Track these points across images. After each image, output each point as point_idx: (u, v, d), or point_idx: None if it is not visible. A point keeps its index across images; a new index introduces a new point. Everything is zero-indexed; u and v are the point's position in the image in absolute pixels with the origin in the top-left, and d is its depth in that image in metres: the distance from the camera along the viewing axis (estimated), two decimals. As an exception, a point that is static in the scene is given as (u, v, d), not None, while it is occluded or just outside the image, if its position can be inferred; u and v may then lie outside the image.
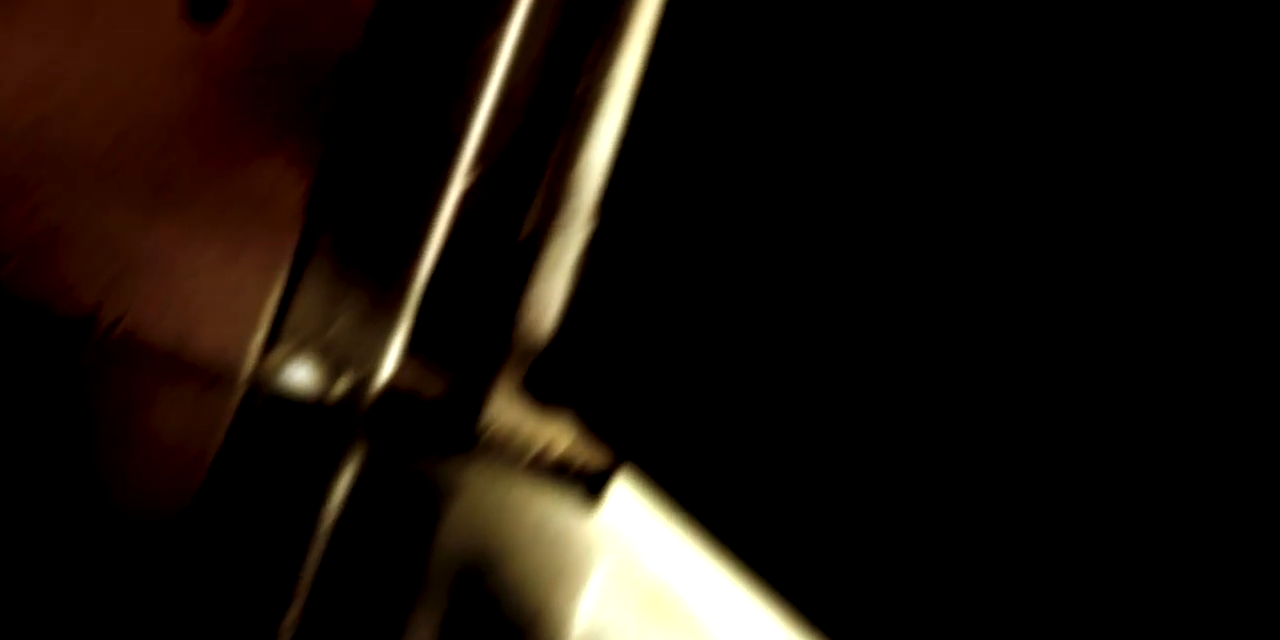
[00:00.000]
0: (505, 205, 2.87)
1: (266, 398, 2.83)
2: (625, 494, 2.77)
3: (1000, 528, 1.91)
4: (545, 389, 2.86)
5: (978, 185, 2.09)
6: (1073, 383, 1.85)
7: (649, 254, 2.76)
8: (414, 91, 2.83)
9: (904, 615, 2.01)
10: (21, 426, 2.34)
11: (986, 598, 1.90)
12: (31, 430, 2.33)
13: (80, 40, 2.79)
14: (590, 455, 2.85)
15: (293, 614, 2.12)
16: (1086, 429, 1.82)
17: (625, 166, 2.84)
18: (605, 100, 2.84)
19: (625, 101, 2.84)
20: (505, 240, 2.87)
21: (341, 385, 2.84)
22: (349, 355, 2.84)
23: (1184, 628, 1.66)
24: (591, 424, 2.81)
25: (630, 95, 2.83)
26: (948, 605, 1.95)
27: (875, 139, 2.32)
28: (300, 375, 2.83)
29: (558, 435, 2.87)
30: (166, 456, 2.55)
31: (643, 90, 2.83)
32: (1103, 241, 1.87)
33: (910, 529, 2.04)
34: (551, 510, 2.78)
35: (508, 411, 2.87)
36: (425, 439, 2.89)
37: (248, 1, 2.79)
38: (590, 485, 2.81)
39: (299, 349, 2.83)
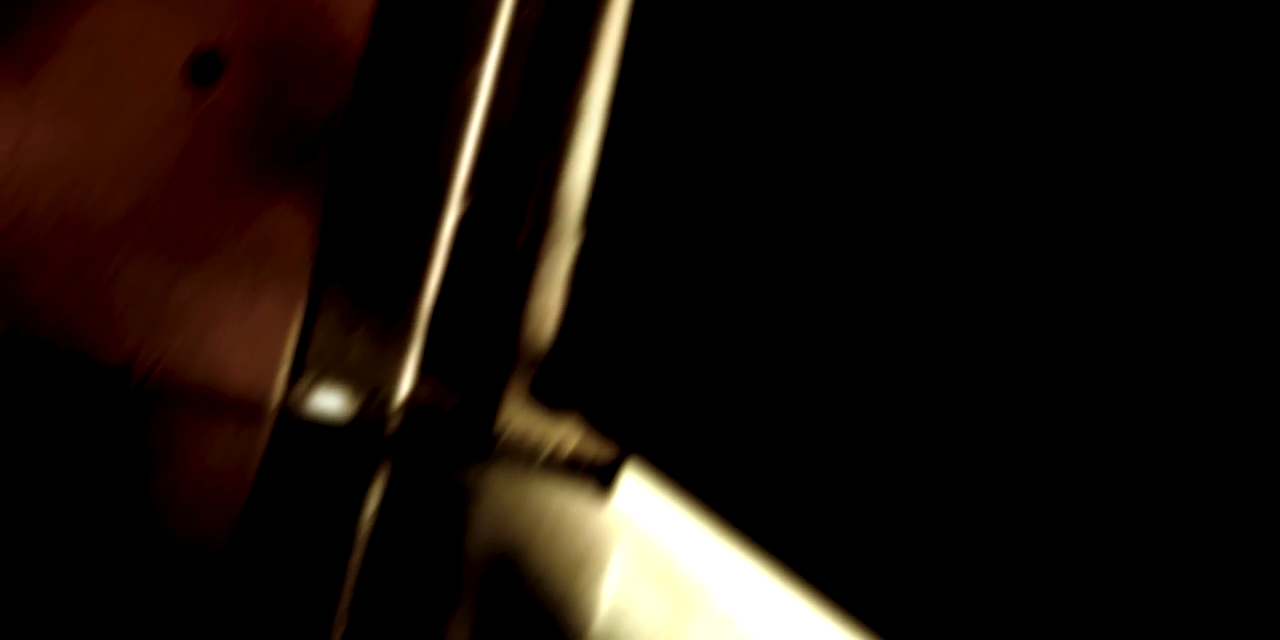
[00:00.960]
0: (499, 226, 3.05)
1: (296, 425, 3.02)
2: (634, 483, 2.96)
3: (997, 495, 1.96)
4: (551, 393, 3.02)
5: (956, 184, 2.15)
6: (1075, 376, 1.86)
7: (635, 259, 2.90)
8: (404, 132, 3.01)
9: (913, 585, 2.08)
10: (68, 468, 2.47)
11: (991, 562, 1.94)
12: (77, 472, 2.46)
13: (91, 114, 2.99)
14: (598, 450, 3.04)
15: (339, 621, 2.28)
16: (1093, 419, 1.83)
17: (606, 178, 3.01)
18: (583, 118, 3.01)
19: (602, 117, 3.02)
20: (502, 258, 3.05)
21: (364, 406, 3.03)
22: (368, 378, 3.03)
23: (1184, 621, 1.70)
24: (596, 422, 2.97)
25: (606, 110, 3.02)
26: (954, 575, 2.01)
27: (845, 131, 2.42)
28: (325, 401, 3.02)
29: (567, 435, 3.06)
30: (209, 489, 2.68)
31: (617, 103, 3.01)
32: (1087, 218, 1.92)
33: (912, 500, 2.10)
34: (568, 504, 2.96)
35: (519, 417, 3.05)
36: (446, 449, 3.08)
37: (243, 64, 2.99)
38: (601, 477, 3.01)
39: (322, 377, 3.02)
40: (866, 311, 2.28)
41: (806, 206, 2.45)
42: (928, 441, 2.10)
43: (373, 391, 3.02)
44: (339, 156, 2.99)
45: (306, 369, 3.02)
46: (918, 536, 2.07)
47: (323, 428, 3.03)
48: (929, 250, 2.17)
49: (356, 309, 3.02)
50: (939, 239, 2.15)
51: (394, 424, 3.04)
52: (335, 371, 3.02)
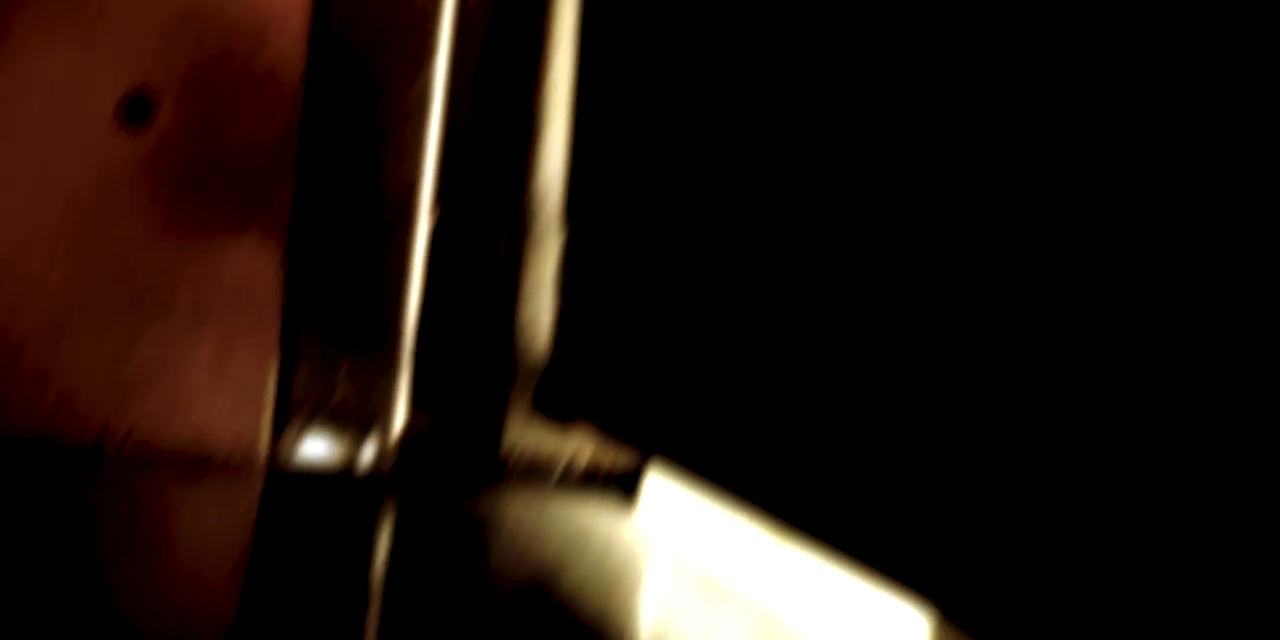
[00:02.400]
0: (474, 235, 2.90)
1: (288, 477, 2.85)
2: (658, 487, 2.78)
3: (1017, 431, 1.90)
4: (556, 405, 2.87)
5: (942, 161, 2.09)
6: (1089, 393, 1.81)
7: (624, 252, 2.77)
8: (360, 148, 2.86)
9: (954, 558, 2.00)
10: (47, 568, 2.30)
11: (1014, 517, 1.88)
12: (58, 570, 2.29)
13: (23, 174, 2.82)
14: (615, 458, 2.86)
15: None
16: (1105, 428, 1.79)
17: (581, 170, 2.87)
18: (548, 109, 2.87)
19: (567, 104, 2.87)
20: (483, 269, 2.90)
21: (359, 446, 2.86)
22: (359, 416, 2.85)
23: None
24: (610, 428, 2.81)
25: (570, 96, 2.87)
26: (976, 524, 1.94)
27: (826, 104, 2.34)
28: (316, 447, 2.85)
29: (579, 446, 2.88)
30: (206, 561, 2.53)
31: (582, 88, 2.87)
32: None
33: (944, 468, 2.01)
34: (592, 517, 2.78)
35: (526, 434, 2.88)
36: (454, 479, 2.91)
37: (177, 100, 2.83)
38: (623, 486, 2.83)
39: (309, 422, 2.85)
40: (867, 286, 2.19)
41: (790, 182, 2.37)
42: (948, 406, 2.01)
43: (366, 429, 2.85)
44: (296, 184, 2.83)
45: (292, 416, 2.84)
46: (953, 506, 1.97)
47: (318, 476, 2.85)
48: (924, 217, 2.09)
49: (335, 344, 2.85)
50: (933, 210, 2.07)
51: (393, 461, 2.86)
52: (323, 414, 2.84)
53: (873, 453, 2.15)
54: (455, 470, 2.89)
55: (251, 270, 2.84)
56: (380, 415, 2.85)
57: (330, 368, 2.85)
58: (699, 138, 2.60)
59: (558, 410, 2.85)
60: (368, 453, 2.86)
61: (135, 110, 2.82)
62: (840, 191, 2.27)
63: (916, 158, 2.11)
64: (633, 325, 2.73)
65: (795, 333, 2.32)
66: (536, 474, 2.88)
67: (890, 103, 2.15)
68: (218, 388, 2.84)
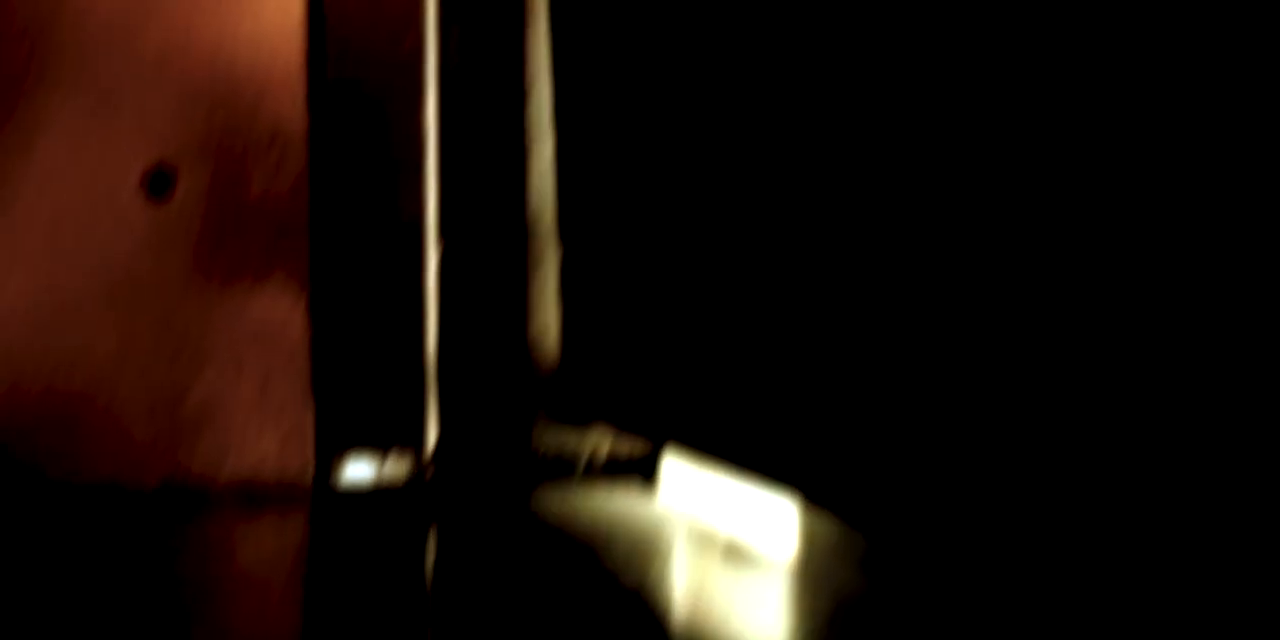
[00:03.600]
0: (480, 259, 3.11)
1: (337, 499, 3.07)
2: (674, 468, 3.02)
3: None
4: (570, 409, 3.07)
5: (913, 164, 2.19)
6: (1091, 389, 1.87)
7: (618, 259, 2.95)
8: (366, 191, 3.07)
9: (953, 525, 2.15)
10: (125, 606, 2.43)
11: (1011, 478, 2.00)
12: (133, 611, 2.41)
13: (63, 250, 3.05)
14: (631, 447, 3.11)
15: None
16: (1107, 415, 1.85)
17: (569, 187, 3.07)
18: (534, 141, 3.08)
19: (550, 127, 3.09)
20: (492, 289, 3.10)
21: (398, 462, 3.07)
22: (395, 435, 3.07)
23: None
24: (621, 425, 3.02)
25: (551, 119, 3.08)
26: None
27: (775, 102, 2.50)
28: (359, 470, 3.07)
29: (598, 441, 3.12)
30: (268, 587, 2.70)
31: (561, 109, 3.07)
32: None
33: (947, 442, 2.15)
34: (620, 503, 3.02)
35: (548, 435, 3.10)
36: (489, 482, 3.13)
37: (193, 168, 3.05)
38: (642, 472, 3.07)
39: (349, 446, 3.06)
40: (855, 269, 2.34)
41: (766, 174, 2.53)
42: (952, 380, 2.15)
43: (403, 446, 3.07)
44: (310, 230, 3.06)
45: (333, 442, 3.06)
46: (958, 478, 2.13)
47: (364, 495, 3.09)
48: (909, 200, 2.22)
49: (364, 372, 3.07)
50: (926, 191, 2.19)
51: (431, 472, 3.08)
52: (360, 436, 3.07)
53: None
54: (489, 475, 3.12)
55: (279, 313, 3.07)
56: (414, 432, 3.08)
57: (361, 394, 3.08)
58: (670, 151, 2.77)
59: (573, 413, 3.06)
60: (406, 468, 3.09)
61: (157, 183, 3.04)
62: (812, 198, 2.42)
63: (891, 157, 2.23)
64: (632, 331, 2.91)
65: (778, 330, 2.52)
66: (564, 470, 3.12)
67: (869, 109, 2.27)
68: (262, 424, 3.06)
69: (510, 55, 3.10)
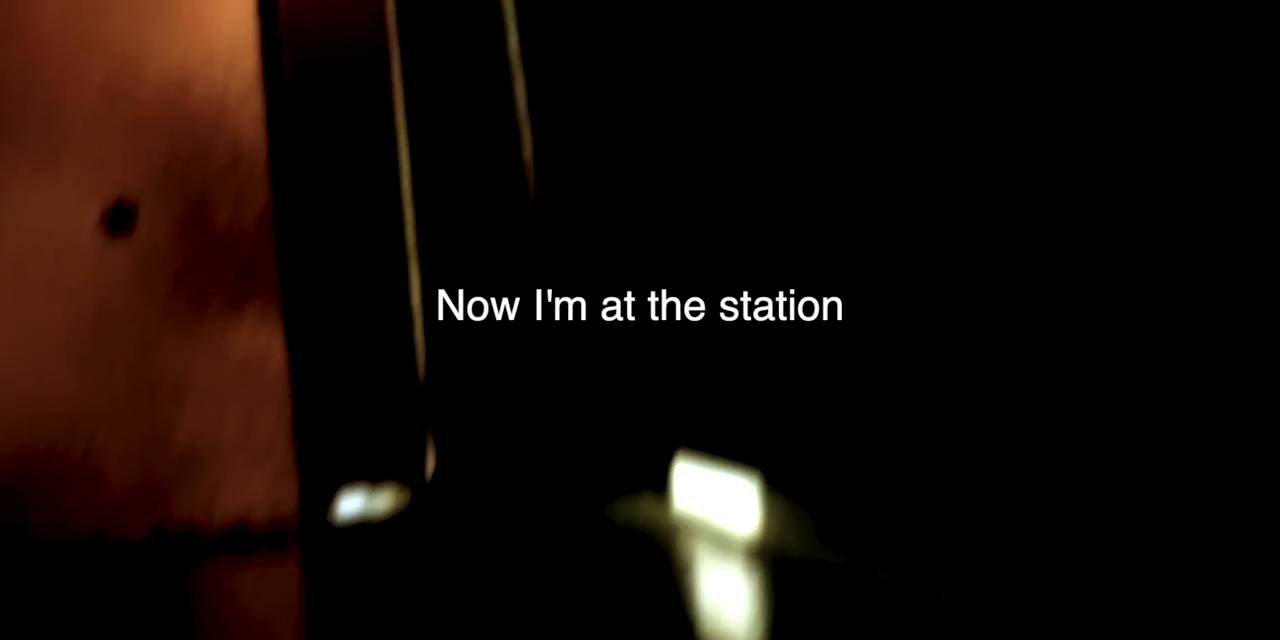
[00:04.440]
0: (462, 283, 2.99)
1: (333, 534, 2.94)
2: (683, 475, 2.91)
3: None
4: (571, 429, 2.97)
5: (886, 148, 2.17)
6: (1089, 401, 1.87)
7: (594, 298, 2.87)
8: (336, 213, 2.96)
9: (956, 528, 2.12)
10: None
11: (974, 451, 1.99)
12: None
13: (26, 293, 2.95)
14: (637, 461, 2.98)
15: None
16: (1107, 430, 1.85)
17: (543, 212, 2.97)
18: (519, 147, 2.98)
19: (531, 172, 2.99)
20: (479, 313, 2.99)
21: (397, 494, 2.95)
22: (390, 465, 2.95)
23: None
24: (625, 439, 2.93)
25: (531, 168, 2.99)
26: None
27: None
28: (353, 504, 2.94)
29: (604, 455, 3.00)
30: (265, 633, 2.60)
31: (536, 119, 2.97)
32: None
33: (938, 447, 2.14)
34: (640, 513, 2.92)
35: (555, 453, 2.99)
36: (493, 507, 3.00)
37: (154, 201, 2.94)
38: (653, 485, 2.94)
39: (342, 481, 2.94)
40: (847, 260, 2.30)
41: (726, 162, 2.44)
42: (938, 383, 2.13)
43: (397, 477, 2.95)
44: (279, 256, 2.93)
45: (323, 477, 2.94)
46: (956, 484, 2.11)
47: (360, 529, 2.95)
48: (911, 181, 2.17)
49: (351, 404, 2.95)
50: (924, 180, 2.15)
51: (430, 501, 2.96)
52: (352, 470, 2.95)
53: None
54: (493, 498, 2.99)
55: (256, 345, 2.96)
56: (410, 460, 2.96)
57: (352, 426, 2.95)
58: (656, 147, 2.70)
59: (575, 432, 2.96)
60: (402, 499, 2.96)
61: (118, 220, 2.93)
62: (764, 188, 2.37)
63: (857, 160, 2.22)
64: (621, 355, 2.84)
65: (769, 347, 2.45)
66: (571, 486, 2.99)
67: (850, 108, 2.25)
68: (249, 464, 2.94)
69: (483, 52, 2.99)
